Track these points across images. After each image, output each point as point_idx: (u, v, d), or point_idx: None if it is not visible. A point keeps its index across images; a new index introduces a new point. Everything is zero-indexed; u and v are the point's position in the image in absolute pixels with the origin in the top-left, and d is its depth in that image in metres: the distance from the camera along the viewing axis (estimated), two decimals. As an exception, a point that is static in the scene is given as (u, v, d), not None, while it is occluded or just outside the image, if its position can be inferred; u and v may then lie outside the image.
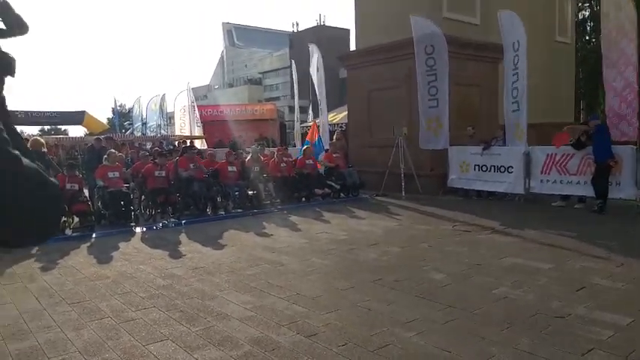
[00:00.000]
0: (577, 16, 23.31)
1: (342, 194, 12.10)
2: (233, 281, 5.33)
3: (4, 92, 1.11)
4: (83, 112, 27.38)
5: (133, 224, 8.90)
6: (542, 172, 9.96)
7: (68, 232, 8.32)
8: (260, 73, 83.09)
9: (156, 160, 10.18)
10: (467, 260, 5.95)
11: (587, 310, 4.15)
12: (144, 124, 29.40)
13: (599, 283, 4.86)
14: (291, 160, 12.54)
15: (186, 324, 4.10)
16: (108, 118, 56.21)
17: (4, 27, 1.15)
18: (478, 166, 11.10)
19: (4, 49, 1.08)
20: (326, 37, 56.70)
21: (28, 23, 1.20)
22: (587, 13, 26.01)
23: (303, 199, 11.49)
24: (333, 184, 12.07)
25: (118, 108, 45.37)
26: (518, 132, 10.42)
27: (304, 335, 3.78)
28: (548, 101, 15.37)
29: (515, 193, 10.49)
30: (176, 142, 20.22)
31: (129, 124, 37.09)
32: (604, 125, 8.96)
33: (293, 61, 19.75)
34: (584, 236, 7.01)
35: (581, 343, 3.50)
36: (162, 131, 26.31)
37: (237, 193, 10.44)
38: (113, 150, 10.04)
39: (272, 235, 7.93)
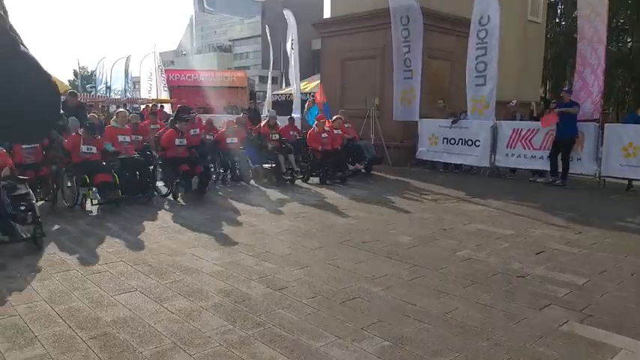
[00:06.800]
0: (549, -3, 23.61)
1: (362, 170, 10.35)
2: (202, 240, 5.31)
3: None
4: None
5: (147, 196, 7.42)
6: (507, 147, 10.21)
7: (89, 207, 6.87)
8: (230, 40, 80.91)
9: (176, 126, 8.19)
10: (433, 225, 6.10)
11: (546, 270, 4.35)
12: (108, 87, 28.37)
13: (558, 248, 5.08)
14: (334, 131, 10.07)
15: (155, 277, 4.08)
16: (69, 80, 53.93)
17: None
18: (447, 139, 11.25)
19: None
20: (299, 6, 55.53)
21: None
22: (559, -4, 26.36)
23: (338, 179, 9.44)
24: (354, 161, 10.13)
25: (80, 70, 43.60)
26: (477, 106, 10.58)
27: (274, 289, 3.83)
28: (518, 79, 15.65)
29: (482, 166, 10.73)
30: (142, 106, 19.65)
31: (91, 87, 35.62)
32: (575, 102, 9.16)
33: (267, 27, 19.34)
34: (545, 207, 7.27)
35: (539, 299, 3.67)
36: (128, 94, 25.49)
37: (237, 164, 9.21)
38: (122, 109, 9.00)
39: (244, 200, 7.89)
